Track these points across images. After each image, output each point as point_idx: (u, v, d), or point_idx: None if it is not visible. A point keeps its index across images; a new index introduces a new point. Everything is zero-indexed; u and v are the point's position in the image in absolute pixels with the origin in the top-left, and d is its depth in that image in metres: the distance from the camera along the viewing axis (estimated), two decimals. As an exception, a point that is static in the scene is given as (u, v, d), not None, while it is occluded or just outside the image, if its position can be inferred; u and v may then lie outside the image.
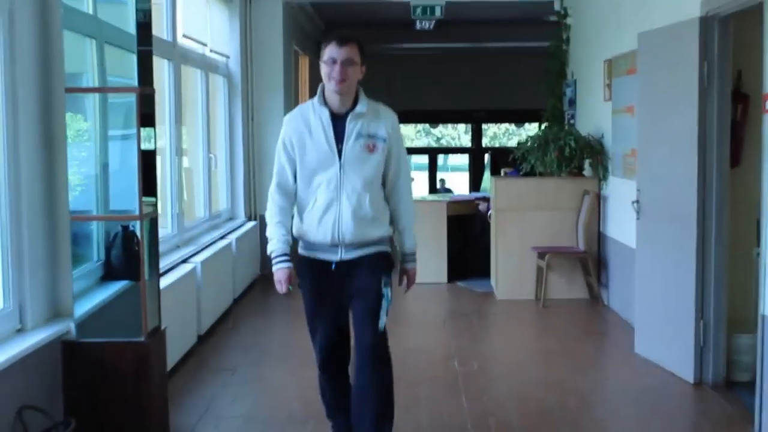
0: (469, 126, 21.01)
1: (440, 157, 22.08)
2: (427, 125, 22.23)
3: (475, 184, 18.83)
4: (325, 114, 4.57)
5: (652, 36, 7.82)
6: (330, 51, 4.48)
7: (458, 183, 20.51)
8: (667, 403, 6.77)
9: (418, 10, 12.92)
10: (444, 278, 11.89)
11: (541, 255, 10.52)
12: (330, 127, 4.57)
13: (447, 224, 12.01)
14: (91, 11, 6.07)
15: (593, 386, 7.51)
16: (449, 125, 22.62)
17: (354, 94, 4.64)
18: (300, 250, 4.84)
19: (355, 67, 4.52)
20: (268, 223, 4.79)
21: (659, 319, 7.78)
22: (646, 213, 7.92)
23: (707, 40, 6.90)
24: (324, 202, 4.57)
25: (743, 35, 6.80)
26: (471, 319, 9.91)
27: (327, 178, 4.57)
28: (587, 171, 11.01)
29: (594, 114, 11.09)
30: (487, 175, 12.57)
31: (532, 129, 12.29)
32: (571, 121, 12.10)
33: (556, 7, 12.54)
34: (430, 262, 11.50)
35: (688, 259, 7.14)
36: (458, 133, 22.52)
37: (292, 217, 4.81)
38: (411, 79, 17.97)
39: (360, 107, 4.61)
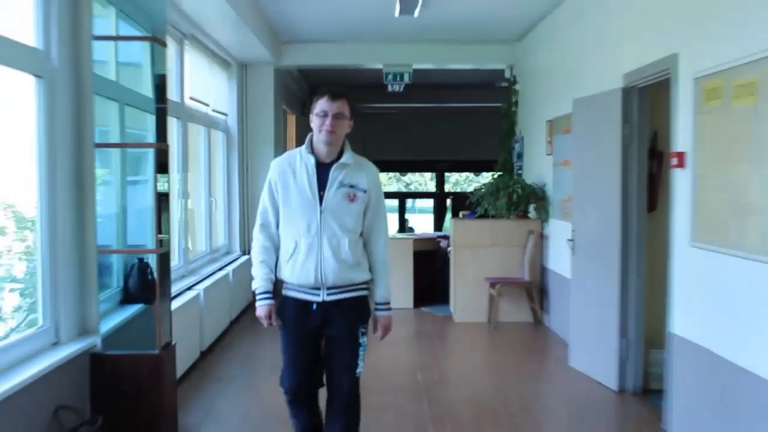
0: (434, 174, 21.12)
1: (409, 201, 22.11)
2: (398, 173, 22.30)
3: (438, 224, 18.90)
4: (311, 162, 4.31)
5: (584, 102, 7.99)
6: (322, 104, 4.25)
7: (424, 223, 20.52)
8: (594, 407, 6.95)
9: (390, 76, 12.91)
10: (411, 304, 11.94)
11: (493, 284, 10.62)
12: (314, 174, 4.30)
13: (413, 258, 12.07)
14: (114, 78, 6.10)
15: (533, 393, 7.64)
16: (417, 173, 22.73)
17: (340, 146, 4.39)
18: (284, 291, 4.50)
19: (344, 121, 4.30)
20: (252, 262, 4.53)
21: (589, 337, 7.90)
22: (579, 249, 8.08)
23: (628, 106, 7.12)
24: (306, 246, 4.31)
25: (658, 102, 6.95)
26: (433, 339, 10.00)
27: (307, 222, 4.30)
28: (532, 214, 11.06)
29: (538, 166, 11.16)
30: (448, 216, 12.72)
31: (487, 177, 12.48)
32: (519, 172, 12.15)
33: (507, 75, 12.66)
34: (398, 290, 11.43)
35: (612, 288, 7.30)
36: (425, 180, 22.51)
37: (276, 256, 4.52)
38: (383, 134, 17.82)
39: (345, 158, 4.35)
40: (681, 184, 5.99)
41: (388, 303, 4.55)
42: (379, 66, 12.91)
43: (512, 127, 12.76)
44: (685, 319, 5.98)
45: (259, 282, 4.38)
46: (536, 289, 10.74)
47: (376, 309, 4.53)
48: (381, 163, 17.48)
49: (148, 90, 6.11)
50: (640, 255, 7.27)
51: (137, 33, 6.14)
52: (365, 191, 4.33)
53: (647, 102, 7.20)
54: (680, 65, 5.98)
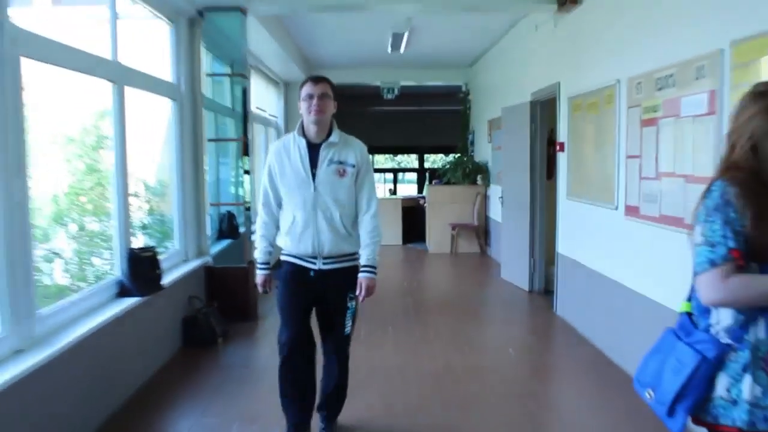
0: (416, 155, 21.35)
1: (399, 175, 22.45)
2: (390, 155, 22.62)
3: (420, 189, 19.23)
4: (303, 143, 3.54)
5: (508, 109, 8.54)
6: (307, 89, 3.51)
7: (410, 189, 20.85)
8: (514, 300, 7.60)
9: (385, 90, 13.08)
10: (400, 242, 12.54)
11: (453, 228, 11.22)
12: (306, 154, 3.53)
13: (402, 211, 12.66)
14: (211, 96, 6.39)
15: (478, 292, 8.32)
16: (405, 155, 22.98)
17: (328, 127, 3.59)
18: (283, 255, 3.68)
19: (329, 101, 3.52)
20: (256, 235, 3.76)
21: (512, 259, 8.51)
22: (506, 203, 8.70)
23: (534, 113, 7.69)
24: (303, 219, 3.53)
25: (552, 110, 7.11)
26: (414, 263, 10.57)
27: (303, 198, 3.52)
28: (479, 181, 11.38)
29: (482, 150, 11.50)
30: (426, 184, 13.38)
31: (451, 157, 12.82)
32: (471, 153, 12.42)
33: (463, 88, 12.77)
34: (391, 233, 12.25)
35: (525, 227, 7.92)
36: (411, 160, 22.80)
37: (276, 229, 3.71)
38: (381, 127, 17.64)
39: (333, 138, 3.56)
40: (562, 162, 6.65)
41: (373, 267, 3.61)
42: (378, 83, 13.00)
43: (467, 124, 12.94)
44: (564, 243, 6.64)
45: (259, 254, 3.71)
46: (481, 231, 11.24)
47: (361, 271, 3.62)
48: (379, 149, 17.57)
49: (228, 102, 6.49)
50: (542, 206, 7.82)
51: (226, 69, 6.46)
52: (354, 166, 3.57)
53: (546, 110, 7.62)
54: (561, 89, 6.59)
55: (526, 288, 7.94)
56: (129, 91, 4.77)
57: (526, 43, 8.04)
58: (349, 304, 3.63)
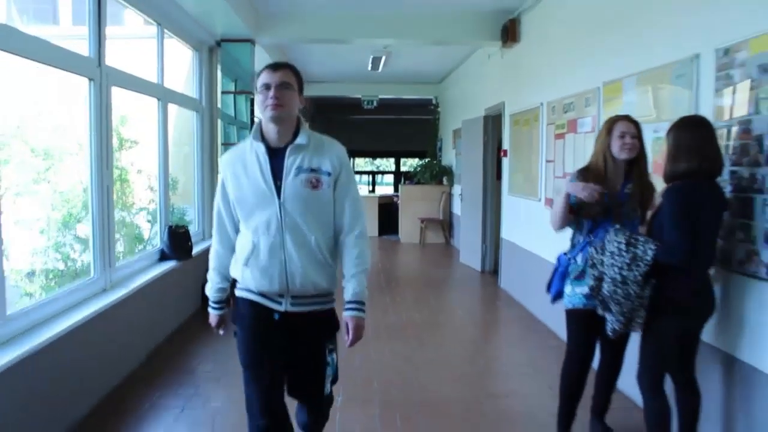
0: (393, 159, 22.30)
1: (378, 177, 23.29)
2: (369, 159, 23.47)
3: (395, 189, 20.10)
4: (261, 149, 2.53)
5: (467, 122, 9.66)
6: (263, 77, 2.51)
7: (388, 190, 21.52)
8: (469, 278, 8.78)
9: (365, 101, 13.90)
10: (376, 233, 13.56)
11: (422, 221, 12.27)
12: (266, 162, 2.52)
13: (378, 207, 13.66)
14: (222, 108, 7.30)
15: (439, 272, 9.36)
16: (383, 159, 23.57)
17: (294, 126, 2.56)
18: (238, 292, 2.67)
19: (291, 92, 2.51)
20: (209, 267, 2.77)
21: (468, 245, 9.63)
22: (464, 199, 9.80)
23: (486, 125, 8.82)
24: (267, 248, 2.52)
25: (500, 123, 8.07)
26: (388, 251, 11.57)
27: (266, 219, 2.51)
28: (445, 182, 12.45)
29: (448, 155, 12.55)
30: (400, 184, 14.12)
31: (422, 161, 13.77)
32: (439, 158, 13.44)
33: (433, 101, 13.82)
34: (369, 226, 12.78)
35: (478, 218, 9.04)
36: (390, 163, 23.54)
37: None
38: (362, 134, 17.97)
39: (300, 139, 2.54)
40: (505, 165, 7.87)
41: (362, 302, 2.64)
42: (359, 95, 13.77)
43: (436, 132, 13.94)
44: (506, 230, 7.84)
45: (210, 291, 2.77)
46: (446, 224, 12.31)
47: (346, 308, 2.64)
48: (359, 152, 18.41)
49: (234, 113, 7.36)
50: (491, 201, 8.89)
51: (231, 86, 7.36)
52: (329, 174, 2.56)
53: (495, 124, 8.57)
54: (505, 107, 7.81)
55: (479, 269, 9.17)
56: (146, 100, 5.94)
57: (481, 69, 9.28)
58: (328, 359, 2.66)
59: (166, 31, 5.93)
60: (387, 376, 4.77)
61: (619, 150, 3.20)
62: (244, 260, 2.58)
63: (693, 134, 2.97)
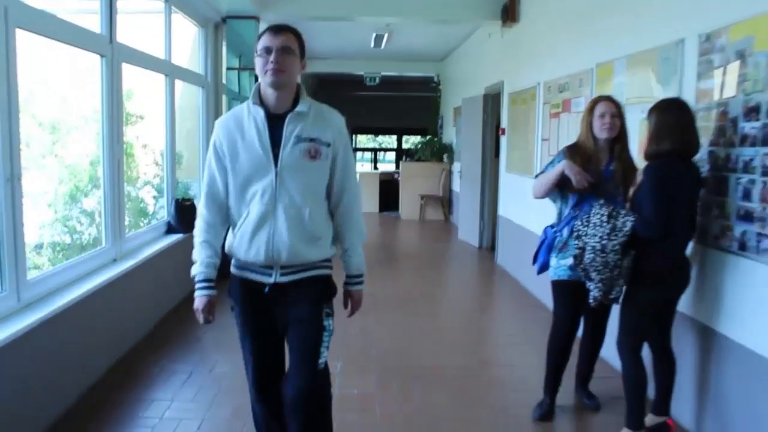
0: (395, 137, 22.43)
1: (381, 154, 23.43)
2: (372, 135, 23.54)
3: (396, 166, 20.25)
4: (260, 114, 2.40)
5: (467, 100, 9.79)
6: (264, 40, 2.36)
7: (390, 167, 21.68)
8: (468, 254, 8.99)
9: (367, 78, 14.17)
10: (377, 209, 13.73)
11: (422, 198, 12.48)
12: (265, 128, 2.39)
13: (379, 184, 13.84)
14: (227, 84, 7.48)
15: (438, 248, 9.61)
16: (385, 136, 23.65)
17: (294, 93, 2.44)
18: (232, 269, 2.57)
19: (293, 58, 2.37)
20: (194, 243, 2.53)
21: (466, 222, 9.85)
22: (463, 177, 9.97)
23: (486, 103, 8.98)
24: (257, 216, 2.40)
25: (500, 101, 8.25)
26: (389, 227, 11.78)
27: (261, 187, 2.39)
28: (445, 159, 12.66)
29: (449, 133, 12.77)
30: (401, 161, 14.31)
31: (424, 138, 13.92)
32: (440, 135, 13.69)
33: (435, 79, 13.97)
34: (370, 202, 13.42)
35: (476, 195, 9.23)
36: (391, 140, 23.57)
37: (226, 234, 2.55)
38: (365, 110, 17.94)
39: (301, 107, 2.41)
40: (503, 143, 8.06)
41: (362, 276, 2.68)
42: (362, 73, 14.05)
43: (438, 109, 14.15)
44: (503, 207, 8.04)
45: (199, 267, 2.49)
46: (445, 201, 12.51)
47: (347, 282, 2.67)
48: (362, 128, 18.49)
49: (238, 88, 7.59)
50: (490, 178, 9.10)
51: (238, 62, 7.59)
52: (329, 145, 2.45)
53: (495, 102, 8.68)
54: (504, 86, 7.97)
55: (477, 245, 9.38)
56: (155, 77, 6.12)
57: (482, 47, 9.42)
58: (325, 323, 2.48)
59: (173, 7, 6.07)
60: (385, 344, 4.99)
61: (599, 129, 3.39)
62: (234, 230, 2.47)
63: (675, 116, 3.14)
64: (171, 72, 6.02)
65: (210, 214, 2.49)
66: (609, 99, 3.46)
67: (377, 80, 14.23)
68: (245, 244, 2.42)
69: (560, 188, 3.52)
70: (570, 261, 3.43)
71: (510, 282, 7.20)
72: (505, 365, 4.66)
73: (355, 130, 20.42)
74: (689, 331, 3.49)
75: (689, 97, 3.46)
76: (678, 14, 3.74)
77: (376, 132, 22.58)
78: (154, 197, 7.37)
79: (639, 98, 4.15)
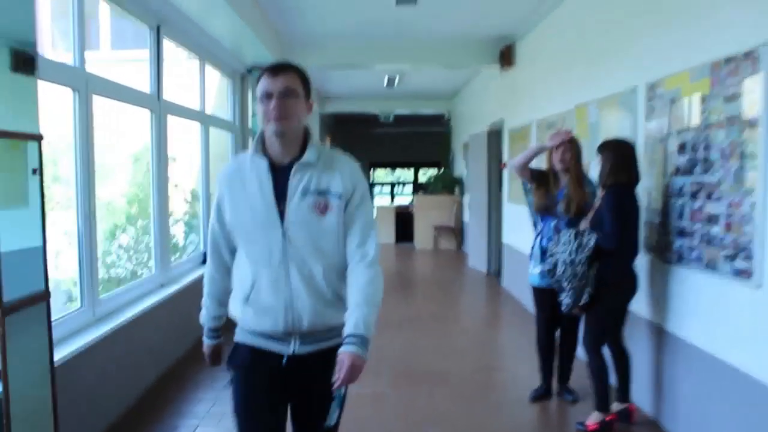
0: (412, 170, 23.19)
1: (397, 187, 24.09)
2: (389, 169, 24.06)
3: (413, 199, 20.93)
4: (263, 165, 2.14)
5: (474, 136, 10.56)
6: (263, 84, 2.09)
7: (407, 199, 22.32)
8: (477, 279, 9.68)
9: (382, 116, 14.90)
10: (393, 240, 14.42)
11: (436, 229, 13.15)
12: (269, 180, 2.13)
13: (395, 216, 14.53)
14: (253, 128, 8.79)
15: (449, 274, 10.29)
16: (402, 169, 24.19)
17: (301, 140, 2.18)
18: (237, 336, 2.28)
19: (297, 101, 2.10)
20: (203, 290, 2.40)
21: (476, 250, 10.50)
22: (472, 208, 10.67)
23: (490, 139, 9.69)
24: (268, 282, 2.13)
25: (500, 137, 8.88)
26: (404, 257, 12.50)
27: (268, 248, 2.12)
28: (456, 191, 13.31)
29: (459, 166, 13.42)
30: (415, 194, 15.06)
31: (438, 172, 14.57)
32: (452, 168, 14.36)
33: (446, 116, 14.74)
34: (387, 234, 14.10)
35: (484, 225, 9.94)
36: (408, 174, 23.95)
37: (229, 287, 2.33)
38: (381, 146, 18.79)
39: (308, 155, 2.14)
40: (505, 176, 8.73)
41: (364, 338, 2.07)
42: (376, 111, 14.81)
43: (449, 144, 14.88)
44: (507, 235, 8.68)
45: (204, 318, 2.41)
46: (457, 231, 13.14)
47: (344, 342, 2.06)
48: (379, 164, 19.25)
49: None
50: (493, 208, 9.75)
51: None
52: (340, 197, 2.14)
53: (498, 138, 9.28)
54: (505, 124, 8.69)
55: (485, 271, 10.05)
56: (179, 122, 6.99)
57: (486, 88, 10.20)
58: (335, 393, 2.12)
59: (206, 62, 6.94)
60: (397, 354, 5.69)
61: (555, 162, 4.17)
62: (243, 297, 2.18)
63: (628, 152, 3.89)
64: (205, 120, 6.87)
65: (215, 270, 2.36)
66: (569, 139, 4.23)
67: (391, 118, 14.99)
68: (260, 314, 2.15)
69: (534, 181, 4.37)
70: (537, 270, 4.20)
71: (512, 303, 7.88)
72: (503, 370, 5.36)
73: (373, 165, 21.27)
74: (646, 331, 4.18)
75: (640, 135, 4.21)
76: (633, 67, 4.49)
77: (393, 166, 23.29)
78: (185, 232, 8.18)
79: (606, 135, 4.88)
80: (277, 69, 2.09)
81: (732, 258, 3.20)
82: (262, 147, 2.17)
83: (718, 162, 3.32)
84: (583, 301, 3.95)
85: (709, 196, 3.41)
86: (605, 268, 3.87)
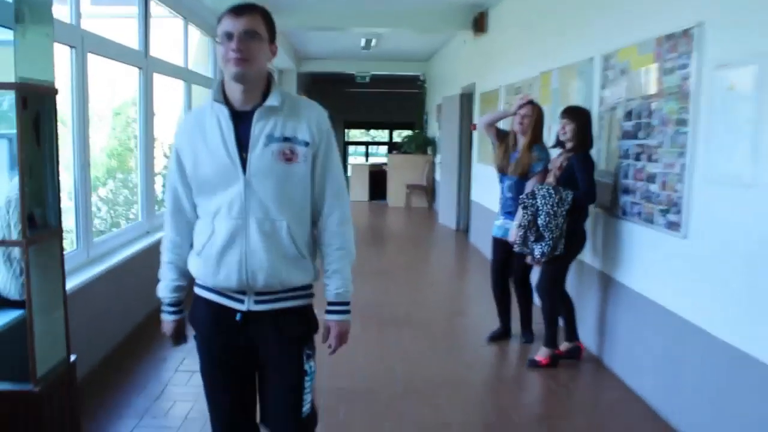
0: (387, 131, 23.29)
1: (373, 147, 24.40)
2: (364, 130, 24.35)
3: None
4: (224, 112, 1.95)
5: (447, 99, 10.87)
6: (225, 24, 1.91)
7: (382, 159, 22.65)
8: (446, 235, 10.10)
9: (358, 76, 15.32)
10: (366, 198, 14.76)
11: (408, 187, 13.53)
12: (230, 128, 1.94)
13: (369, 174, 14.91)
14: None
15: (420, 230, 10.80)
16: (377, 130, 24.51)
17: (263, 85, 1.99)
18: (195, 288, 2.13)
19: (260, 43, 1.92)
20: (160, 260, 2.17)
21: (445, 207, 10.90)
22: (443, 167, 11.04)
23: (462, 102, 10.01)
24: (226, 233, 1.96)
25: (472, 99, 9.32)
26: (377, 214, 12.90)
27: (229, 199, 1.96)
28: (429, 152, 13.69)
29: (433, 127, 13.72)
30: (390, 153, 15.43)
31: (411, 132, 14.92)
32: (426, 130, 14.69)
33: (421, 77, 15.02)
34: (360, 191, 14.44)
35: (454, 184, 10.30)
36: (384, 134, 24.25)
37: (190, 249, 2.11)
38: (357, 106, 18.96)
39: (272, 100, 1.96)
40: (475, 137, 9.15)
41: (347, 303, 2.15)
42: (353, 72, 15.18)
43: (423, 106, 15.17)
44: (474, 193, 9.12)
45: (163, 291, 2.18)
46: (429, 190, 13.56)
47: (328, 311, 2.14)
48: (355, 123, 19.65)
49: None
50: (465, 168, 10.10)
51: None
52: (308, 144, 1.99)
53: (470, 101, 9.64)
54: (476, 87, 9.03)
55: (454, 227, 10.48)
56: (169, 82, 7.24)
57: (459, 52, 10.49)
58: (306, 366, 2.08)
59: (190, 23, 7.16)
60: (368, 302, 6.09)
61: (515, 125, 4.55)
62: (198, 249, 2.05)
63: (589, 120, 4.28)
64: (188, 78, 7.12)
65: (174, 231, 2.12)
66: (531, 103, 4.60)
67: (367, 78, 15.27)
68: (212, 267, 2.00)
69: (499, 139, 4.82)
70: (501, 221, 4.59)
71: (478, 256, 8.33)
72: (467, 315, 5.81)
73: (348, 124, 21.54)
74: (594, 279, 4.62)
75: (595, 102, 4.60)
76: (592, 38, 4.85)
77: (369, 126, 23.56)
78: (162, 185, 8.48)
79: (567, 100, 5.27)
80: (240, 9, 1.93)
81: (665, 212, 3.62)
82: (223, 94, 1.98)
83: (658, 127, 3.72)
84: (558, 252, 4.25)
85: (649, 158, 3.81)
86: (574, 222, 4.25)
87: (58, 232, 2.87)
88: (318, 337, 2.16)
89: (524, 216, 4.34)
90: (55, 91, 2.79)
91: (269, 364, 2.09)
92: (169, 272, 2.15)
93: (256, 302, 2.03)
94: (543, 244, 4.25)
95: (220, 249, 1.97)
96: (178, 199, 2.08)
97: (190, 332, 2.20)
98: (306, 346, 2.10)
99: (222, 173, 1.95)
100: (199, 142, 1.98)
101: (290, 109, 2.01)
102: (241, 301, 2.03)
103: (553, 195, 4.19)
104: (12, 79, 2.51)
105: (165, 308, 2.19)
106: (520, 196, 4.44)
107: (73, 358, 2.96)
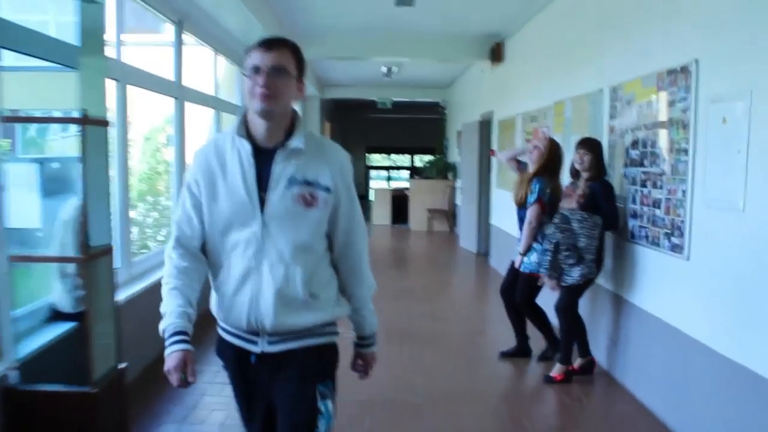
0: (408, 155, 23.07)
1: (393, 172, 24.60)
2: (385, 154, 24.51)
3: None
4: (246, 148, 1.90)
5: (466, 126, 11.13)
6: (254, 58, 1.85)
7: (403, 183, 22.83)
8: (466, 258, 10.33)
9: (379, 102, 15.36)
10: (389, 222, 14.97)
11: (430, 211, 13.72)
12: (251, 166, 1.90)
13: (391, 199, 15.11)
14: None
15: (441, 253, 11.00)
16: (398, 155, 24.73)
17: (288, 123, 1.95)
18: (219, 330, 2.10)
19: (288, 80, 1.87)
20: (162, 293, 1.99)
21: (467, 231, 11.09)
22: (464, 191, 11.23)
23: (481, 128, 10.23)
24: (240, 272, 1.93)
25: (490, 126, 9.53)
26: (400, 237, 13.14)
27: (245, 238, 1.91)
28: (450, 177, 13.87)
29: (453, 153, 13.97)
30: (411, 178, 15.65)
31: (431, 157, 15.08)
32: (446, 154, 14.88)
33: (441, 104, 15.33)
34: (383, 216, 14.70)
35: (474, 208, 10.48)
36: (405, 159, 24.44)
37: (201, 281, 2.03)
38: (378, 132, 19.51)
39: (296, 141, 1.92)
40: (494, 163, 9.43)
41: (375, 335, 2.26)
42: (375, 98, 15.30)
43: (444, 131, 15.44)
44: (494, 217, 9.34)
45: (169, 319, 1.93)
46: (450, 214, 13.72)
47: (359, 345, 2.24)
48: (377, 148, 19.92)
49: None
50: (483, 193, 10.29)
51: None
52: (329, 190, 1.95)
53: (489, 128, 9.83)
54: (494, 114, 9.30)
55: (474, 251, 10.67)
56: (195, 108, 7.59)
57: (478, 80, 10.77)
58: (320, 406, 1.99)
59: (218, 53, 7.54)
60: (390, 320, 6.33)
61: (527, 154, 4.83)
62: (214, 280, 2.03)
63: (602, 150, 4.55)
64: (218, 106, 7.49)
65: (180, 258, 1.99)
66: (544, 143, 4.87)
67: (389, 104, 15.50)
68: (226, 304, 1.98)
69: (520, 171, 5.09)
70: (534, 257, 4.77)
71: (497, 278, 8.42)
72: (484, 334, 6.04)
73: (369, 149, 21.87)
74: (606, 299, 4.85)
75: (605, 131, 4.86)
76: (601, 71, 5.13)
77: (389, 151, 23.89)
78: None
79: (579, 128, 5.54)
80: (271, 43, 1.87)
81: (669, 236, 3.86)
82: (245, 128, 1.94)
83: (661, 156, 3.98)
84: (592, 274, 4.45)
85: (654, 185, 4.06)
86: (600, 245, 4.49)
87: (109, 250, 3.18)
88: (345, 367, 2.17)
89: (562, 239, 4.43)
90: (108, 123, 3.13)
91: (279, 402, 2.02)
92: (173, 299, 1.95)
93: (270, 343, 1.98)
94: (583, 267, 4.40)
95: (233, 288, 1.94)
96: (187, 227, 1.99)
97: (204, 368, 2.19)
98: (321, 384, 2.02)
99: (239, 211, 1.91)
100: (218, 176, 1.94)
101: (314, 152, 1.96)
102: (255, 343, 1.99)
103: (588, 219, 4.38)
104: (71, 108, 2.83)
105: (170, 339, 1.92)
106: (554, 220, 4.55)
107: (123, 365, 3.24)
